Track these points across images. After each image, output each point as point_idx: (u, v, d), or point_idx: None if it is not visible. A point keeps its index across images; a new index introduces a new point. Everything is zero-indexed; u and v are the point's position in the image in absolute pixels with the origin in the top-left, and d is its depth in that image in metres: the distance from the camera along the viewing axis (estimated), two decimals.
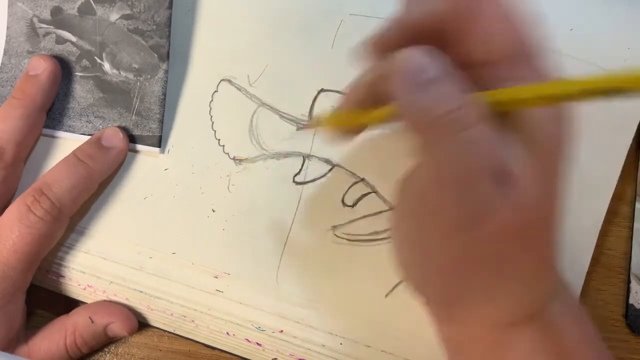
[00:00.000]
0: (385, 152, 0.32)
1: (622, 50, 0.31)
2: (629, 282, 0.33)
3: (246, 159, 0.33)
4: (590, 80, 0.18)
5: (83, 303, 0.34)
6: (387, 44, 0.24)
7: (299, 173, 0.33)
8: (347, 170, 0.33)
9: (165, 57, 0.33)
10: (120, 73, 0.33)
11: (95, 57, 0.33)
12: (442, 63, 0.21)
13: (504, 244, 0.22)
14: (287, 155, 0.33)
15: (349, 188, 0.33)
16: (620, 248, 0.34)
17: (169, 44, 0.33)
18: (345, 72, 0.33)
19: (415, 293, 0.25)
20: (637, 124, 0.33)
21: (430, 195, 0.22)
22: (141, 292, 0.33)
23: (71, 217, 0.32)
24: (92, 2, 0.33)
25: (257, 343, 0.33)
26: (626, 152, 0.32)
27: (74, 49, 0.33)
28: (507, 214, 0.21)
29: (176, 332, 0.34)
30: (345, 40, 0.33)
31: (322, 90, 0.33)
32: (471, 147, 0.21)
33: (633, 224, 0.34)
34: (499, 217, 0.21)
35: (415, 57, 0.21)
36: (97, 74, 0.33)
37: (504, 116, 0.22)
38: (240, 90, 0.33)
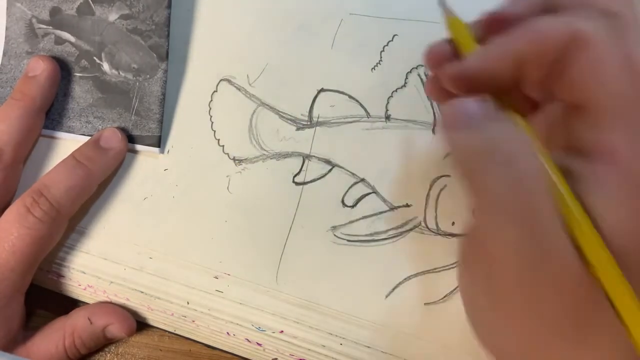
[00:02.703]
0: (385, 153, 0.32)
1: None
2: None
3: (246, 159, 0.33)
4: None
5: (83, 303, 0.34)
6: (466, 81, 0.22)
7: (298, 173, 0.33)
8: (347, 170, 0.33)
9: (165, 56, 0.33)
10: (119, 73, 0.33)
11: (94, 58, 0.33)
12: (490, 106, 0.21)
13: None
14: (287, 155, 0.33)
15: (349, 188, 0.32)
16: None
17: (168, 43, 0.33)
18: (345, 71, 0.33)
19: None
20: None
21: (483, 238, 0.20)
22: (141, 292, 0.33)
23: (71, 218, 0.32)
24: (90, 2, 0.33)
25: (257, 343, 0.33)
26: None
27: (73, 49, 0.33)
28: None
29: (176, 332, 0.34)
30: (345, 40, 0.33)
31: (322, 89, 0.33)
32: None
33: None
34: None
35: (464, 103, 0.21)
36: (96, 74, 0.33)
37: None
38: (239, 90, 0.33)
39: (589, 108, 0.20)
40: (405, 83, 0.32)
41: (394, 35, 0.32)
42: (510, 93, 0.22)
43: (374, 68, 0.33)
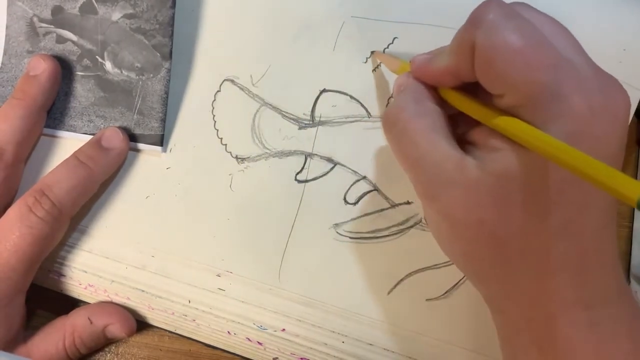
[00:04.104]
0: (386, 151, 0.33)
1: (618, 51, 0.32)
2: (628, 282, 0.33)
3: (248, 157, 0.33)
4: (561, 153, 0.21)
5: (84, 303, 0.34)
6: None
7: (301, 171, 0.33)
8: (348, 168, 0.33)
9: (168, 56, 0.33)
10: (122, 72, 0.33)
11: (97, 57, 0.33)
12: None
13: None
14: (289, 154, 0.33)
15: (350, 186, 0.33)
16: (620, 248, 0.34)
17: (172, 43, 0.33)
18: (346, 73, 0.33)
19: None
20: (634, 122, 0.34)
21: (409, 178, 0.27)
22: (142, 291, 0.33)
23: (73, 217, 0.32)
24: (94, 1, 0.33)
25: (258, 342, 0.33)
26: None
27: (75, 48, 0.33)
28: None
29: (177, 331, 0.34)
30: (347, 42, 0.33)
31: (324, 90, 0.33)
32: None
33: (632, 224, 0.34)
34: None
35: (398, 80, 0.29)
36: (99, 73, 0.33)
37: None
38: (243, 90, 0.34)
39: (502, 95, 0.24)
40: (374, 70, 0.33)
41: (394, 38, 0.33)
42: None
43: (374, 70, 0.33)
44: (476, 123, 0.26)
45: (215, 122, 0.34)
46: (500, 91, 0.24)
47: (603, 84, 0.23)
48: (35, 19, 0.34)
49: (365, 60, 0.33)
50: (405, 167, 0.27)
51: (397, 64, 0.31)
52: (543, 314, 0.24)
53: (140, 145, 0.33)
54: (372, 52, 0.33)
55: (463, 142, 0.26)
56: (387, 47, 0.33)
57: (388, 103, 0.33)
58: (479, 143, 0.25)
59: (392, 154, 0.32)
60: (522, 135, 0.22)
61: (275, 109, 0.33)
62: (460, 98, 0.26)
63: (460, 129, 0.27)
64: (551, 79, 0.23)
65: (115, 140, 0.32)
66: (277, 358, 0.33)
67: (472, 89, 0.26)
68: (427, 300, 0.32)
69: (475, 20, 0.24)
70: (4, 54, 0.34)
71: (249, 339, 0.33)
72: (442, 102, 0.27)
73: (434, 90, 0.27)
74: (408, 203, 0.33)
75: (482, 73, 0.24)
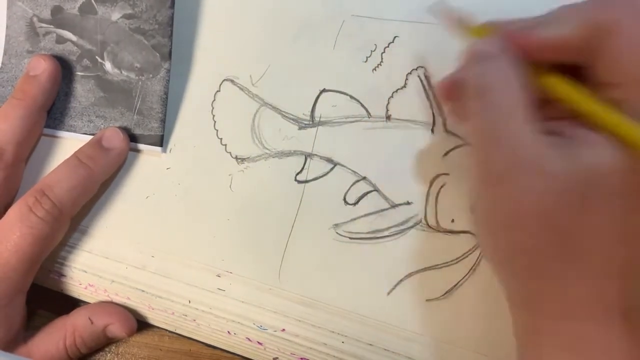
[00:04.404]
0: (386, 152, 0.33)
1: None
2: None
3: (248, 157, 0.33)
4: None
5: (84, 303, 0.34)
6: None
7: (300, 172, 0.33)
8: (348, 168, 0.33)
9: (167, 56, 0.33)
10: (121, 72, 0.33)
11: (97, 57, 0.33)
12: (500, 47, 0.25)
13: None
14: (289, 154, 0.33)
15: (350, 186, 0.33)
16: None
17: (171, 43, 0.33)
18: (346, 72, 0.33)
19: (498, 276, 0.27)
20: None
21: (477, 154, 0.25)
22: (143, 291, 0.33)
23: (73, 217, 0.32)
24: (93, 1, 0.33)
25: (258, 342, 0.33)
26: None
27: (75, 48, 0.33)
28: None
29: (177, 331, 0.34)
30: (347, 41, 0.33)
31: (324, 90, 0.33)
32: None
33: None
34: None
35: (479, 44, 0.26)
36: (98, 73, 0.33)
37: None
38: (242, 90, 0.33)
39: (619, 84, 0.23)
40: (406, 84, 0.33)
41: (394, 37, 0.33)
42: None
43: (375, 69, 0.33)
44: (562, 111, 0.25)
45: (215, 122, 0.33)
46: (622, 80, 0.23)
47: None
48: (35, 19, 0.34)
49: (365, 60, 0.33)
50: (478, 142, 0.25)
51: (472, 26, 0.28)
52: (586, 317, 0.23)
53: (140, 146, 0.33)
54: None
55: (546, 131, 0.24)
56: (388, 46, 0.33)
57: (388, 103, 0.33)
58: (566, 134, 0.24)
59: (392, 154, 0.33)
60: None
61: (275, 109, 0.33)
62: (562, 83, 0.24)
63: (544, 115, 0.25)
64: None
65: (115, 140, 0.32)
66: (277, 358, 0.33)
67: (561, 71, 0.25)
68: (427, 300, 0.32)
69: (615, 2, 0.24)
70: (4, 54, 0.34)
71: (249, 339, 0.33)
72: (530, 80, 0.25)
73: (523, 64, 0.25)
74: (408, 203, 0.33)
75: (614, 57, 0.23)
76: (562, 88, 0.25)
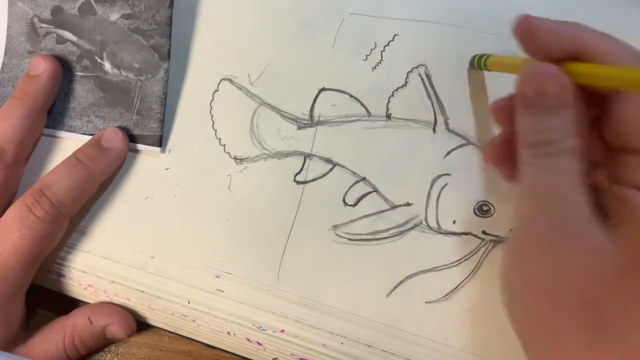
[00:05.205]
0: (386, 152, 0.32)
1: None
2: None
3: (247, 158, 0.33)
4: None
5: (83, 303, 0.34)
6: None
7: (300, 172, 0.33)
8: (348, 169, 0.33)
9: (166, 56, 0.33)
10: (120, 72, 0.33)
11: (96, 57, 0.33)
12: (565, 91, 0.23)
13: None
14: (288, 154, 0.33)
15: (350, 187, 0.33)
16: None
17: (170, 43, 0.33)
18: (346, 71, 0.33)
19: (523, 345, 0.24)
20: None
21: (523, 210, 0.23)
22: (142, 291, 0.33)
23: (72, 217, 0.32)
24: (92, 1, 0.33)
25: (257, 343, 0.33)
26: None
27: (75, 48, 0.33)
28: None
29: (177, 331, 0.34)
30: (346, 40, 0.33)
31: (323, 89, 0.33)
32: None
33: None
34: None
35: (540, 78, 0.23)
36: (98, 73, 0.33)
37: None
38: (241, 89, 0.33)
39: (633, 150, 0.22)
40: (406, 82, 0.33)
41: (394, 35, 0.33)
42: None
43: (374, 67, 0.33)
44: (609, 187, 0.23)
45: (213, 122, 0.33)
46: None
47: None
48: (35, 19, 0.34)
49: (365, 58, 0.33)
50: (523, 198, 0.23)
51: (518, 62, 0.26)
52: None
53: (139, 146, 0.33)
54: (480, 59, 0.29)
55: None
56: (388, 44, 0.33)
57: (389, 102, 0.33)
58: (612, 210, 0.23)
59: (392, 154, 0.32)
60: None
61: (273, 108, 0.33)
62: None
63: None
64: None
65: (114, 140, 0.32)
66: (276, 358, 0.33)
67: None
68: (426, 302, 0.32)
69: None
70: (5, 54, 0.34)
71: (248, 340, 0.33)
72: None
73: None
74: (408, 205, 0.32)
75: None
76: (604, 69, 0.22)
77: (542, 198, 0.22)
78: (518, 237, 0.23)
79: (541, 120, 0.23)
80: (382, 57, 0.33)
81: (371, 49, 0.33)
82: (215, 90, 0.33)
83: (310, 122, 0.33)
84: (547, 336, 0.22)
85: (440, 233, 0.32)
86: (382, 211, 0.32)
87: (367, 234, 0.32)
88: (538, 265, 0.22)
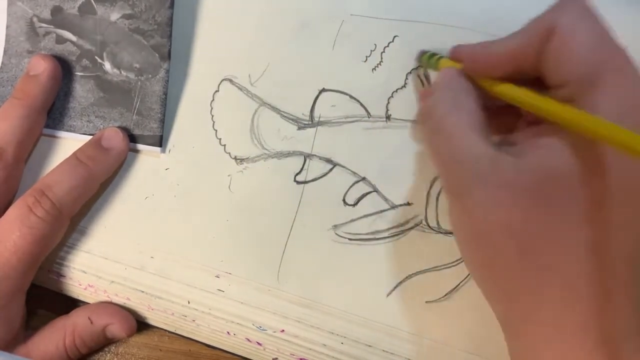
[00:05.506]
0: (386, 152, 0.33)
1: None
2: None
3: (247, 158, 0.33)
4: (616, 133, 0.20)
5: (83, 303, 0.34)
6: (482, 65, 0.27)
7: (300, 172, 0.33)
8: (348, 169, 0.33)
9: (167, 56, 0.33)
10: (121, 72, 0.33)
11: (96, 57, 0.33)
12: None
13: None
14: (288, 154, 0.33)
15: (350, 187, 0.33)
16: None
17: (170, 43, 0.33)
18: (346, 72, 0.33)
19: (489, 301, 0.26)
20: None
21: (439, 175, 0.27)
22: (142, 291, 0.33)
23: (72, 218, 0.32)
24: (92, 1, 0.33)
25: (257, 343, 0.33)
26: None
27: (74, 48, 0.33)
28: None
29: (177, 332, 0.34)
30: (346, 41, 0.33)
31: (323, 89, 0.33)
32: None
33: None
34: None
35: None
36: (98, 73, 0.33)
37: None
38: (241, 89, 0.33)
39: (563, 84, 0.24)
40: (406, 83, 0.33)
41: (394, 36, 0.33)
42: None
43: (374, 69, 0.33)
44: (513, 123, 0.25)
45: (214, 122, 0.33)
46: (566, 78, 0.24)
47: None
48: (35, 19, 0.34)
49: (365, 59, 0.33)
50: (436, 162, 0.27)
51: (443, 59, 0.30)
52: (563, 342, 0.22)
53: (140, 146, 0.33)
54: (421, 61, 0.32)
55: (500, 144, 0.25)
56: (387, 46, 0.33)
57: (388, 103, 0.33)
58: (518, 141, 0.25)
59: (392, 155, 0.32)
60: (589, 125, 0.21)
61: (274, 108, 0.33)
62: (513, 87, 0.25)
63: (498, 131, 0.27)
64: (622, 71, 0.23)
65: (115, 140, 0.32)
66: (276, 358, 0.33)
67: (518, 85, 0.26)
68: (426, 302, 0.32)
69: (562, 4, 0.24)
70: (4, 53, 0.34)
71: (248, 340, 0.33)
72: (479, 101, 0.27)
73: (473, 88, 0.27)
74: (408, 204, 0.32)
75: (556, 56, 0.24)
76: (515, 92, 0.25)
77: (444, 157, 0.26)
78: (444, 193, 0.28)
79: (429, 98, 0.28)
80: (381, 58, 0.33)
81: (371, 50, 0.33)
82: (216, 91, 0.33)
83: (310, 122, 0.33)
84: (491, 275, 0.25)
85: (440, 233, 0.32)
86: (382, 211, 0.32)
87: (367, 234, 0.32)
88: (460, 214, 0.25)
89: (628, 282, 0.22)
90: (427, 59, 0.31)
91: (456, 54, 0.28)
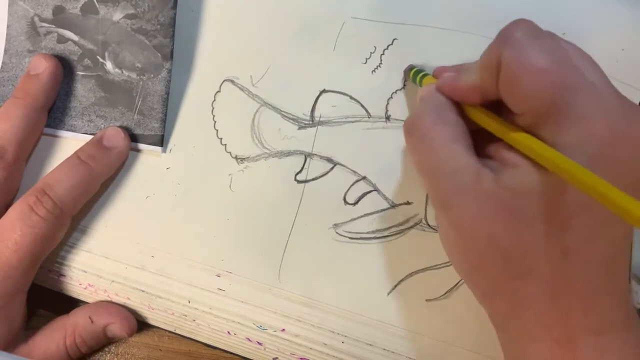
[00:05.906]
0: (386, 152, 0.33)
1: (615, 51, 0.32)
2: (629, 282, 0.33)
3: (248, 157, 0.33)
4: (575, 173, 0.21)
5: (83, 303, 0.34)
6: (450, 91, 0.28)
7: (300, 171, 0.33)
8: (348, 169, 0.33)
9: (169, 56, 0.33)
10: (122, 72, 0.33)
11: (98, 57, 0.33)
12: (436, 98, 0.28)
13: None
14: (288, 154, 0.33)
15: (350, 186, 0.33)
16: None
17: (173, 43, 0.33)
18: (346, 73, 0.33)
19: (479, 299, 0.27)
20: None
21: (426, 187, 0.28)
22: (142, 291, 0.33)
23: (73, 217, 0.32)
24: (95, 1, 0.33)
25: (258, 342, 0.33)
26: None
27: (76, 48, 0.34)
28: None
29: (177, 331, 0.34)
30: (347, 43, 0.33)
31: (324, 90, 0.33)
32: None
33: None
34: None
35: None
36: (99, 73, 0.33)
37: None
38: (242, 90, 0.34)
39: (520, 114, 0.25)
40: (404, 85, 0.33)
41: (394, 39, 0.33)
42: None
43: (374, 70, 0.33)
44: (496, 139, 0.26)
45: (215, 122, 0.34)
46: (522, 109, 0.24)
47: (626, 110, 0.23)
48: (36, 18, 0.34)
49: (365, 61, 0.33)
50: (422, 174, 0.27)
51: (427, 76, 0.31)
52: (548, 337, 0.24)
53: (141, 146, 0.33)
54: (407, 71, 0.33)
55: (482, 157, 0.26)
56: (387, 48, 0.33)
57: (388, 104, 0.33)
58: (497, 158, 0.25)
59: (392, 154, 0.33)
60: (541, 153, 0.22)
61: (274, 109, 0.33)
62: (482, 114, 0.26)
63: (481, 144, 0.27)
64: (574, 101, 0.23)
65: (116, 139, 0.32)
66: (277, 358, 0.33)
67: (497, 107, 0.26)
68: (427, 300, 0.32)
69: (503, 37, 0.24)
70: (5, 53, 0.34)
71: (248, 339, 0.33)
72: (464, 116, 0.27)
73: (456, 102, 0.28)
74: (408, 203, 0.33)
75: (506, 90, 0.24)
76: (482, 118, 0.26)
77: (428, 169, 0.26)
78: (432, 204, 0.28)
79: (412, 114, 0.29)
80: (381, 60, 0.33)
81: (371, 53, 0.33)
82: (217, 91, 0.34)
83: (311, 122, 0.33)
84: (477, 279, 0.26)
85: None
86: (382, 210, 0.33)
87: (367, 233, 0.33)
88: (446, 224, 0.26)
89: (603, 281, 0.24)
90: (412, 75, 0.32)
91: (435, 77, 0.30)
